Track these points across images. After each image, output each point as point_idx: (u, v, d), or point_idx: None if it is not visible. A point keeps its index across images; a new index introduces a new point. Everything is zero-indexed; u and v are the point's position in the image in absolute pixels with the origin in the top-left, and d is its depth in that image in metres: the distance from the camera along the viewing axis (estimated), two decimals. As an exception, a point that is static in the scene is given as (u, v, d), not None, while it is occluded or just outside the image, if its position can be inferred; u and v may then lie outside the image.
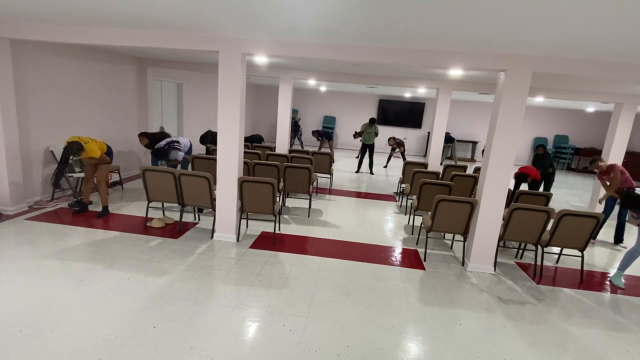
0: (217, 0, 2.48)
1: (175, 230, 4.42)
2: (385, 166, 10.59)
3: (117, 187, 6.17)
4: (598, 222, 3.68)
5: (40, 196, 5.08)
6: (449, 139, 11.50)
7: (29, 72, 4.73)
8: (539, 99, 8.37)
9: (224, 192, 4.14)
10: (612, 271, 4.28)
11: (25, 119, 4.74)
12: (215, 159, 4.24)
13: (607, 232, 5.75)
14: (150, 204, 4.43)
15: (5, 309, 2.63)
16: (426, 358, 2.48)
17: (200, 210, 5.08)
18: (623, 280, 3.97)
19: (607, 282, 3.97)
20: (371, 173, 9.32)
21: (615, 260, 4.65)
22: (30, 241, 3.79)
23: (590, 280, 3.97)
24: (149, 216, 4.56)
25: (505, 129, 3.64)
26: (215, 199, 4.19)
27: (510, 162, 3.72)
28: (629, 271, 4.30)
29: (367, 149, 9.26)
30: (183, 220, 4.67)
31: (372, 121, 9.15)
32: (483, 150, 3.98)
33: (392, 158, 10.81)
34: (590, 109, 11.24)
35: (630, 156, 10.89)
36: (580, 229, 3.74)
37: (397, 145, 10.04)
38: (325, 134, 11.18)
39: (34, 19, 3.71)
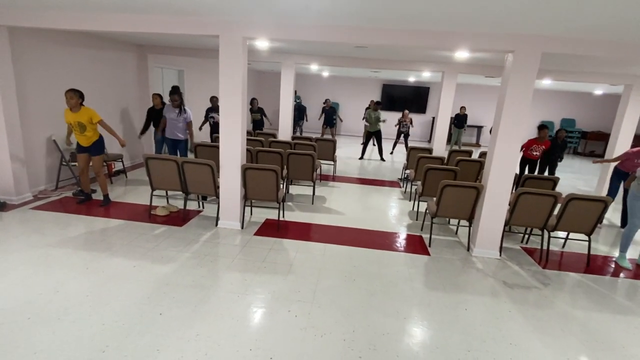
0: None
1: (179, 218, 4.42)
2: (392, 152, 10.50)
3: (120, 175, 6.17)
4: (606, 206, 3.63)
5: (44, 185, 5.10)
6: (461, 120, 11.18)
7: (28, 60, 4.68)
8: (547, 82, 8.20)
9: (228, 180, 4.12)
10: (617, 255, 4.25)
11: (26, 109, 4.71)
12: (218, 147, 4.21)
13: (613, 216, 5.70)
14: (154, 192, 4.43)
15: (13, 297, 2.65)
16: (432, 342, 2.48)
17: (204, 198, 5.08)
18: (628, 262, 3.95)
19: (613, 266, 3.94)
20: (382, 159, 9.22)
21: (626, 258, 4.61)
22: (36, 230, 3.81)
23: (596, 264, 3.95)
24: (153, 204, 4.56)
25: (513, 112, 3.56)
26: (219, 187, 4.18)
27: (517, 146, 3.66)
28: (635, 254, 4.27)
29: (374, 135, 9.11)
30: (187, 208, 4.68)
31: (377, 104, 8.95)
32: (491, 130, 3.86)
33: (397, 144, 10.70)
34: (598, 91, 11.03)
35: (639, 140, 10.71)
36: (588, 213, 3.70)
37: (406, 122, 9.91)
38: (331, 113, 11.06)
39: (32, 6, 3.64)
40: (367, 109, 10.23)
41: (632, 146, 5.75)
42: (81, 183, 4.73)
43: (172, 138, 5.61)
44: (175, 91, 5.52)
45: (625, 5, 2.27)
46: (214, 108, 7.21)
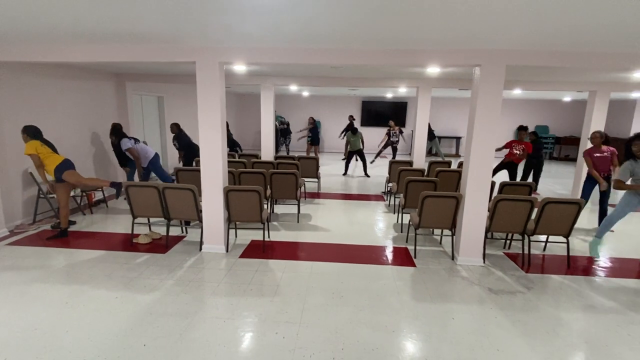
0: (192, 12, 2.47)
1: (162, 245, 4.35)
2: (372, 161, 10.65)
3: (101, 205, 6.06)
4: (580, 208, 3.76)
5: (21, 220, 4.95)
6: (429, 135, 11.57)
7: (3, 93, 4.62)
8: (517, 91, 8.55)
9: (210, 203, 4.10)
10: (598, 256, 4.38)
11: (1, 141, 4.62)
12: (199, 170, 4.20)
13: (590, 219, 5.88)
14: (136, 220, 4.36)
15: (-12, 338, 2.55)
16: (421, 355, 2.48)
17: (187, 223, 5.02)
18: (599, 250, 4.10)
19: (592, 266, 4.05)
20: (366, 175, 9.20)
21: (600, 245, 4.75)
22: (13, 266, 3.68)
23: (576, 266, 4.05)
24: (134, 232, 4.48)
25: (484, 122, 3.70)
26: (201, 211, 4.15)
27: (491, 154, 3.78)
28: (613, 253, 4.41)
29: (356, 154, 9.17)
30: (170, 234, 4.61)
31: (354, 130, 9.14)
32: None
33: (379, 155, 10.90)
34: (567, 98, 11.53)
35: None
36: (564, 216, 3.82)
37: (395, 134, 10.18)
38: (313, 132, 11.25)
39: (6, 40, 3.63)
40: (346, 129, 10.72)
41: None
42: (60, 216, 4.51)
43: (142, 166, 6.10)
44: (111, 132, 5.96)
45: (577, 18, 2.43)
46: (174, 136, 7.15)
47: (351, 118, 11.64)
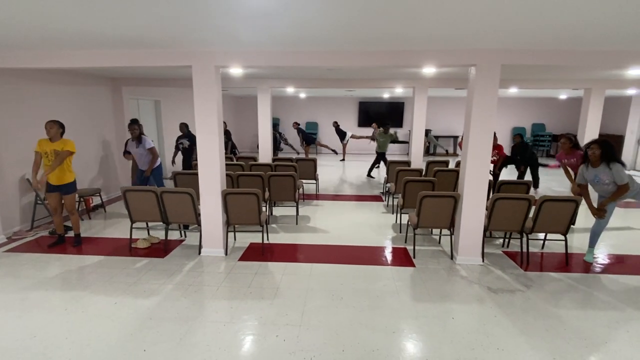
0: (187, 16, 2.47)
1: (161, 249, 4.34)
2: (378, 166, 10.65)
3: (99, 210, 6.04)
4: (577, 205, 3.78)
5: (19, 226, 4.93)
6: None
7: (-2, 100, 4.62)
8: (513, 90, 8.59)
9: (208, 207, 4.10)
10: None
11: (-3, 149, 4.62)
12: (197, 174, 4.20)
13: (588, 216, 5.89)
14: (134, 225, 4.35)
15: (-13, 346, 2.54)
16: (422, 355, 2.49)
17: (186, 227, 5.00)
18: (593, 257, 4.14)
19: (590, 263, 4.06)
20: (369, 176, 9.15)
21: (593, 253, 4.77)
22: (11, 273, 3.67)
23: (575, 263, 4.06)
24: (133, 237, 4.47)
25: (480, 121, 3.71)
26: (200, 214, 4.14)
27: (488, 153, 3.79)
28: (612, 250, 4.43)
29: (379, 156, 8.97)
30: (169, 238, 4.60)
31: (387, 129, 8.83)
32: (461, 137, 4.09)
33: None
34: (563, 96, 11.58)
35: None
36: (561, 214, 3.83)
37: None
38: (303, 134, 11.28)
39: (2, 47, 3.62)
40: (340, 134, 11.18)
41: None
42: (55, 223, 4.50)
43: (142, 169, 5.67)
44: (135, 122, 5.55)
45: (572, 17, 2.45)
46: (183, 135, 7.23)
47: (335, 124, 11.90)
